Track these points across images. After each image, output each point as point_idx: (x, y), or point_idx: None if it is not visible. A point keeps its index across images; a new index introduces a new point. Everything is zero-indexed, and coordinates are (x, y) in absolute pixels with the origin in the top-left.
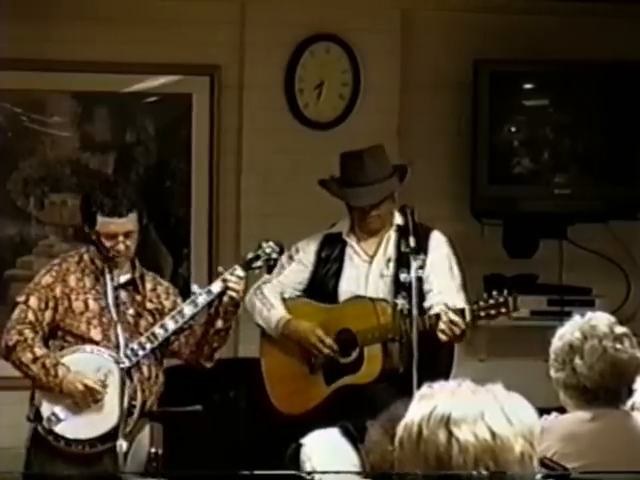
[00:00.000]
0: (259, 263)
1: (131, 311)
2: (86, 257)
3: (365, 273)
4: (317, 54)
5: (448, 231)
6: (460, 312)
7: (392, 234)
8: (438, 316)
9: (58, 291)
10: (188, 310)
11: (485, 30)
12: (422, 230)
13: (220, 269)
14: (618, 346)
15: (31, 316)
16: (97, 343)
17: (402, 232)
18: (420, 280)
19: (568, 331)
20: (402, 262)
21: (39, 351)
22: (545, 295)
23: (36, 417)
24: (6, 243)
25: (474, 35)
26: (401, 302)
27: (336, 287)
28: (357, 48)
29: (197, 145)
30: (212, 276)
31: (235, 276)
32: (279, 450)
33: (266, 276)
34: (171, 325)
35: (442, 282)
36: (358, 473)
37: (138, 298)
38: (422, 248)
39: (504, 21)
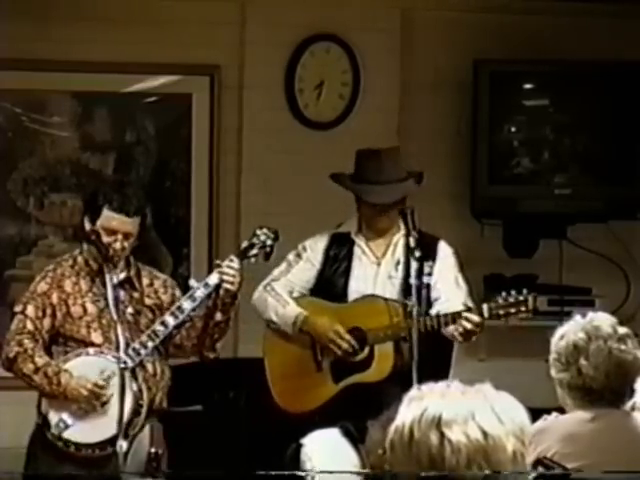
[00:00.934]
0: (255, 251)
1: (130, 309)
2: (80, 259)
3: (373, 275)
4: (317, 54)
5: (448, 231)
6: (478, 311)
7: (401, 238)
8: (454, 315)
9: (55, 298)
10: (187, 305)
11: (485, 30)
12: (429, 239)
13: (217, 262)
14: (622, 347)
15: (30, 325)
16: (99, 346)
17: (414, 238)
18: (428, 287)
19: (571, 331)
20: (410, 266)
21: (40, 361)
22: (545, 295)
23: (44, 424)
24: (6, 243)
25: (474, 35)
26: (412, 302)
27: (346, 286)
28: (357, 48)
29: (197, 145)
30: None
31: (230, 265)
32: (279, 450)
33: (274, 273)
34: (171, 321)
35: (450, 290)
36: (358, 473)
37: (136, 295)
38: (430, 256)
39: (504, 21)
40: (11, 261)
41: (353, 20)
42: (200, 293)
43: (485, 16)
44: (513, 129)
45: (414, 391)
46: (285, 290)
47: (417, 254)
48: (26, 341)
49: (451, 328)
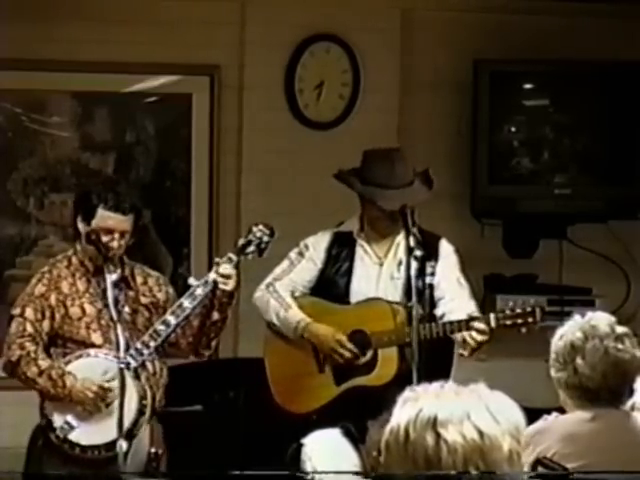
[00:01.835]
0: (252, 248)
1: (127, 309)
2: (75, 260)
3: (376, 275)
4: (317, 54)
5: (448, 231)
6: (485, 320)
7: (403, 238)
8: (460, 323)
9: (53, 299)
10: (188, 303)
11: (485, 30)
12: (430, 237)
13: (217, 260)
14: (620, 346)
15: (29, 328)
16: (99, 347)
17: (415, 237)
18: (431, 287)
19: (569, 331)
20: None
21: (43, 363)
22: (545, 295)
23: (48, 426)
24: (6, 243)
25: (474, 35)
26: (416, 306)
27: (348, 286)
28: (357, 48)
29: (197, 145)
30: None
31: (225, 266)
32: (279, 450)
33: (276, 271)
34: (172, 320)
35: (454, 289)
36: (358, 473)
37: (131, 294)
38: (431, 255)
39: (504, 21)
40: (11, 261)
41: (353, 20)
42: (200, 291)
43: (485, 16)
44: (513, 129)
45: (408, 392)
46: (287, 290)
47: (417, 253)
48: (28, 344)
49: (459, 339)
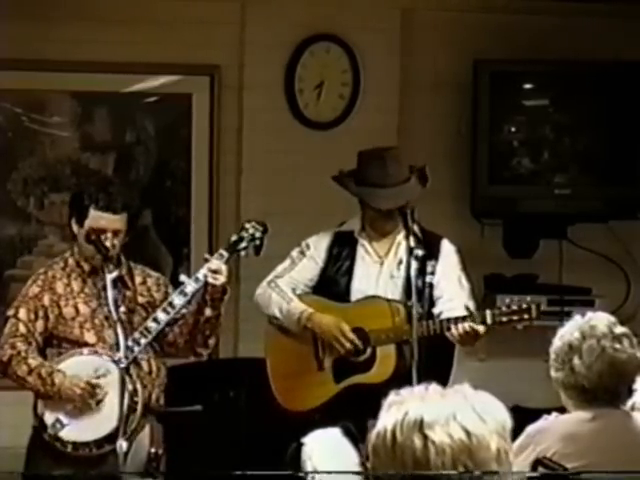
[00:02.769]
0: (244, 244)
1: (123, 308)
2: (71, 261)
3: (376, 274)
4: (317, 54)
5: (448, 231)
6: (481, 317)
7: (404, 237)
8: (456, 319)
9: (46, 300)
10: (178, 300)
11: (485, 30)
12: (432, 237)
13: (206, 256)
14: (617, 346)
15: (22, 328)
16: (92, 346)
17: (415, 237)
18: (431, 286)
19: (568, 331)
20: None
21: (33, 362)
22: (545, 295)
23: (41, 425)
24: (6, 243)
25: (474, 35)
26: (414, 304)
27: (349, 285)
28: (357, 48)
29: (197, 145)
30: None
31: (216, 257)
32: (279, 450)
33: (277, 269)
34: (162, 317)
35: (453, 289)
36: (358, 473)
37: (128, 294)
38: (433, 255)
39: (504, 21)
40: (11, 261)
41: (353, 20)
42: (190, 288)
43: (485, 16)
44: (513, 129)
45: (393, 396)
46: (289, 287)
47: (418, 253)
48: (19, 344)
49: (453, 332)
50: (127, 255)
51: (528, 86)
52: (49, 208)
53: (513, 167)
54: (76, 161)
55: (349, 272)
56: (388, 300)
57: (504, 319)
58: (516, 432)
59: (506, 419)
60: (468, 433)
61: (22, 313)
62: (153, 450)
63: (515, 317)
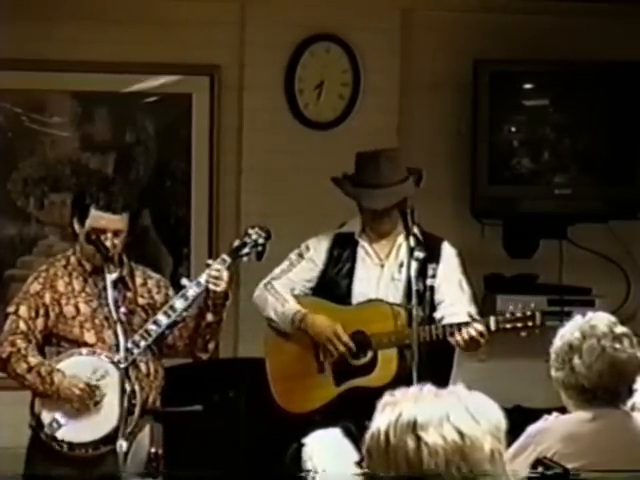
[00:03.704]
0: (246, 250)
1: (123, 309)
2: (73, 260)
3: (377, 276)
4: (317, 54)
5: (448, 231)
6: (485, 323)
7: (405, 238)
8: (460, 325)
9: (47, 298)
10: (179, 304)
11: (485, 30)
12: (433, 239)
13: (208, 261)
14: (617, 345)
15: (22, 326)
16: (92, 346)
17: (415, 238)
18: (432, 289)
19: (568, 331)
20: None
21: (33, 360)
22: (545, 295)
23: (38, 425)
24: (6, 243)
25: (474, 35)
26: (416, 308)
27: (350, 287)
28: (357, 48)
29: (197, 145)
30: None
31: (218, 263)
32: (279, 450)
33: (275, 271)
34: (163, 320)
35: (454, 293)
36: (359, 474)
37: (129, 295)
38: (434, 258)
39: (504, 21)
40: (11, 261)
41: (353, 20)
42: (192, 292)
43: (485, 16)
44: (513, 129)
45: (387, 397)
46: (285, 289)
47: (418, 254)
48: (19, 341)
49: (457, 337)
50: (128, 256)
51: (528, 86)
52: (49, 208)
53: (513, 167)
54: (76, 161)
55: (350, 274)
56: (390, 304)
57: (508, 326)
58: (517, 432)
59: (500, 420)
60: (461, 434)
61: (23, 310)
62: (153, 450)
63: (519, 324)
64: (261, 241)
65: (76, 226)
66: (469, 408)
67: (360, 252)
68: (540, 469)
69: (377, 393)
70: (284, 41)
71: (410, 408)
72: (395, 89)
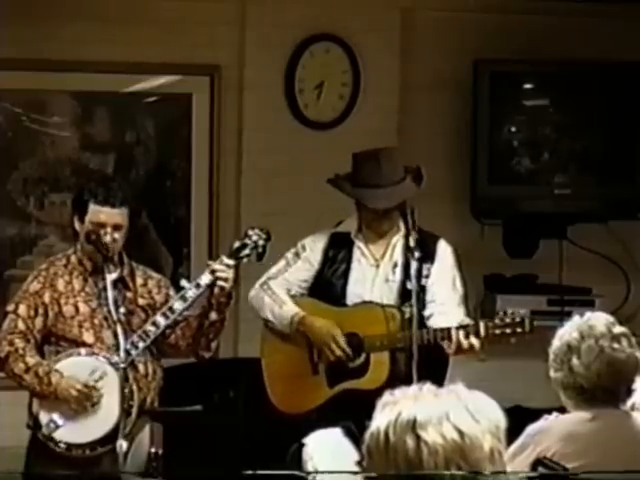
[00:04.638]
0: (247, 251)
1: (122, 309)
2: (73, 259)
3: (371, 277)
4: (317, 54)
5: (448, 231)
6: (474, 329)
7: (400, 239)
8: (449, 330)
9: (47, 297)
10: (178, 305)
11: (485, 30)
12: (429, 238)
13: (209, 262)
14: (615, 345)
15: (21, 325)
16: (90, 346)
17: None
18: (423, 289)
19: (567, 331)
20: (409, 268)
21: (31, 360)
22: (545, 295)
23: (35, 425)
24: (6, 243)
25: (474, 35)
26: (409, 311)
27: (344, 288)
28: (357, 48)
29: (197, 145)
30: None
31: (223, 264)
32: (279, 450)
33: (271, 271)
34: (162, 321)
35: (445, 293)
36: (360, 473)
37: (129, 295)
38: (429, 256)
39: (504, 21)
40: (11, 261)
41: (353, 20)
42: (191, 294)
43: (485, 16)
44: (513, 129)
45: (387, 396)
46: (282, 289)
47: (417, 254)
48: (17, 340)
49: (445, 346)
50: (129, 255)
51: (528, 86)
52: (49, 208)
53: (513, 167)
54: (76, 161)
55: (345, 275)
56: (382, 306)
57: (497, 332)
58: (516, 432)
59: (500, 419)
60: (461, 433)
61: (22, 309)
62: (153, 450)
63: (508, 330)
64: (261, 243)
65: (76, 224)
66: (469, 407)
67: (356, 253)
68: (540, 469)
69: (369, 396)
70: (284, 41)
71: (410, 407)
72: (395, 89)
